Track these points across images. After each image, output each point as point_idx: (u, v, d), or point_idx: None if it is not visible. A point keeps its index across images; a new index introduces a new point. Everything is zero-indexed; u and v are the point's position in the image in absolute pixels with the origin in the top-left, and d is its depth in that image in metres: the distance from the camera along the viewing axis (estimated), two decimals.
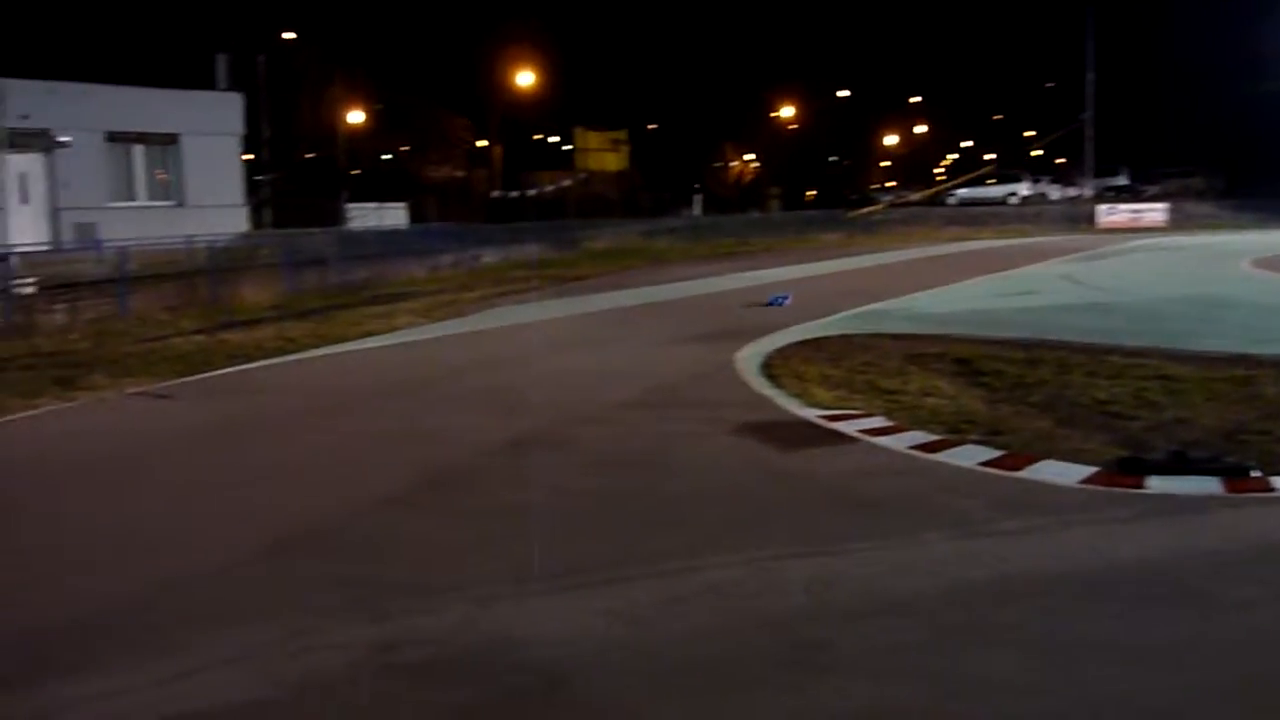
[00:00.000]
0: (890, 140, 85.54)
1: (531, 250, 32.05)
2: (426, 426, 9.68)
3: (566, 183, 62.46)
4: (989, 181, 58.67)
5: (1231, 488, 7.08)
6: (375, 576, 5.81)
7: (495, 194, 59.47)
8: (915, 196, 60.84)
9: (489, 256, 30.42)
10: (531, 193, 61.14)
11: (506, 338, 15.79)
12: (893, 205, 57.98)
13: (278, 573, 5.95)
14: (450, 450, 8.68)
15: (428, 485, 7.67)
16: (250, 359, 13.75)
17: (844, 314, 16.87)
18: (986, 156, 77.64)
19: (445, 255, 28.75)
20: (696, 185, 68.79)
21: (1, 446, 9.37)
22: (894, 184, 74.82)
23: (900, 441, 8.59)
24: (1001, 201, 54.19)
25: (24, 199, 29.19)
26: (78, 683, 4.55)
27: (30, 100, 28.76)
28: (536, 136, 72.20)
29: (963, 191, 57.99)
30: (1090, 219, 46.42)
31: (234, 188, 34.93)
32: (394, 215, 46.52)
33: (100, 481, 8.06)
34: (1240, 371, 10.77)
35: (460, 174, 63.25)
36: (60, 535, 6.72)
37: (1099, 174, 56.31)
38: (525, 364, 13.12)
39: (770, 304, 18.01)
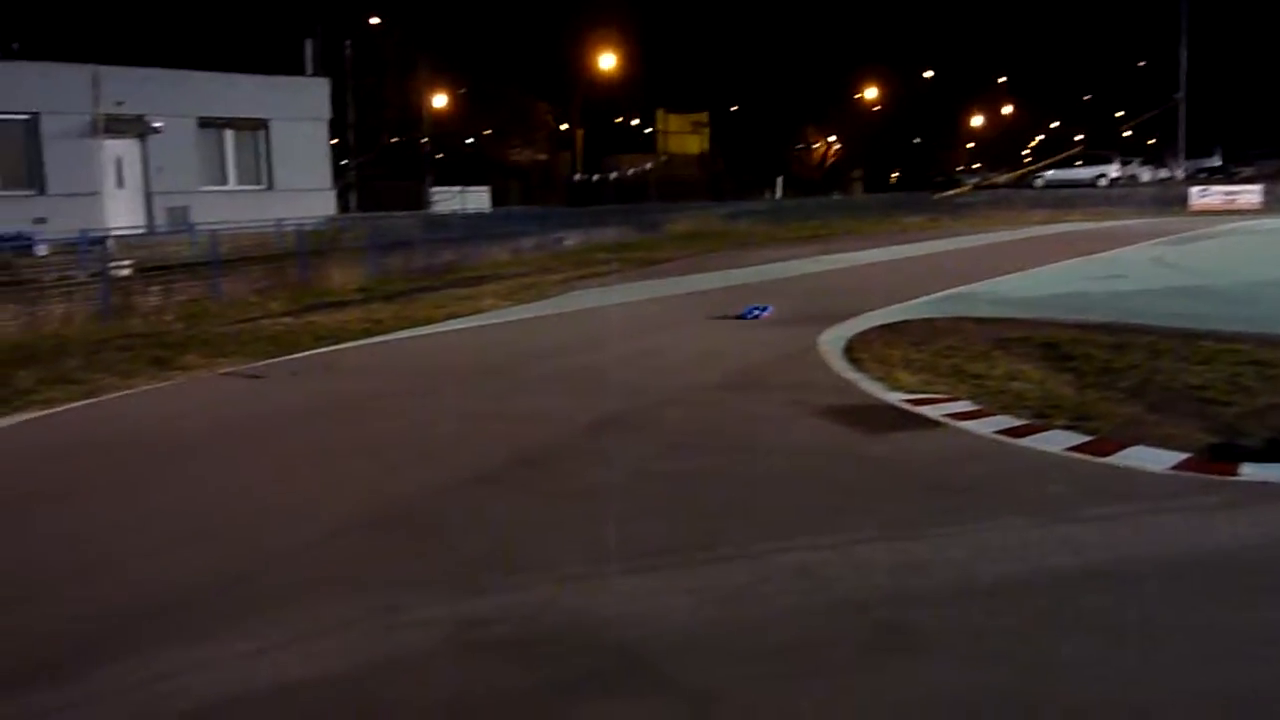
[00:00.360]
0: (976, 121, 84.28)
1: (612, 233, 32.15)
2: (513, 407, 9.79)
3: (648, 165, 62.52)
4: (1077, 163, 57.57)
5: None
6: (464, 554, 5.91)
7: (577, 177, 59.79)
8: (1001, 179, 59.97)
9: (571, 239, 30.57)
10: (613, 176, 61.31)
11: (589, 320, 15.89)
12: (978, 187, 57.20)
13: (370, 548, 6.08)
14: (536, 430, 8.78)
15: (515, 465, 7.77)
16: (338, 340, 14.00)
17: (928, 298, 16.70)
18: (1075, 137, 76.12)
19: (527, 238, 28.96)
20: (778, 168, 68.37)
21: (101, 424, 9.65)
22: (979, 166, 73.74)
23: (986, 426, 8.51)
24: (1090, 184, 53.15)
25: (120, 183, 29.97)
26: (174, 652, 4.70)
27: (125, 87, 29.54)
28: (618, 119, 72.36)
29: (1050, 173, 56.95)
30: (1182, 201, 45.33)
31: (321, 172, 35.52)
32: (477, 198, 47.01)
33: (196, 459, 8.28)
34: None
35: (542, 157, 63.67)
36: (157, 509, 6.92)
37: (1191, 155, 55.01)
38: (608, 346, 13.20)
39: (745, 316, 15.14)
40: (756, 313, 15.14)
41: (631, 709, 4.16)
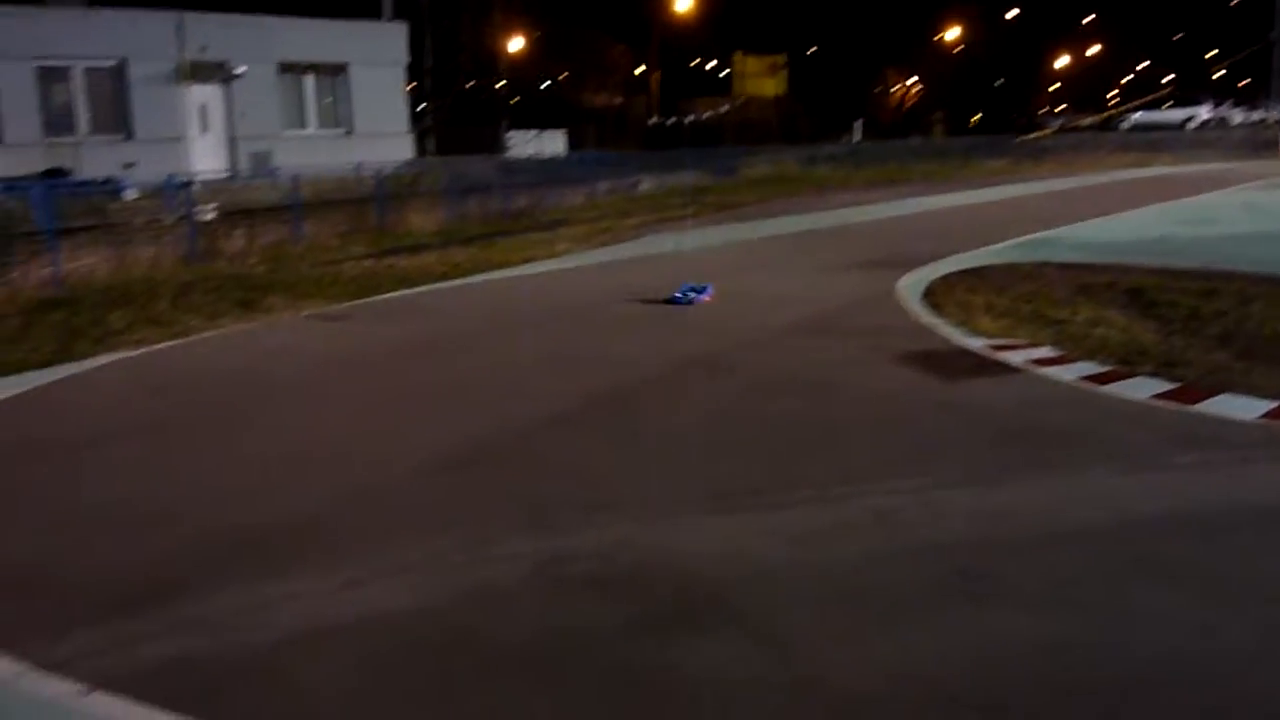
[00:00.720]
0: (1061, 62, 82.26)
1: (688, 177, 31.96)
2: (591, 349, 9.85)
3: (724, 109, 61.98)
4: (1166, 105, 56.03)
5: None
6: (546, 492, 5.98)
7: (653, 121, 59.46)
8: (1086, 121, 58.64)
9: (647, 184, 30.44)
10: (689, 119, 60.89)
11: (664, 264, 15.86)
12: (1062, 130, 55.96)
13: (450, 487, 6.18)
14: (614, 372, 8.83)
15: (593, 405, 7.83)
16: (416, 284, 14.13)
17: (1008, 243, 16.45)
18: (1164, 79, 74.03)
19: (603, 182, 28.89)
20: (857, 110, 67.39)
21: (190, 364, 9.87)
22: (1064, 108, 72.10)
23: (1068, 372, 8.40)
24: (1179, 126, 51.78)
25: (204, 128, 30.41)
26: (264, 586, 4.83)
27: (208, 32, 29.88)
28: (694, 62, 71.70)
29: (1137, 116, 55.61)
30: (1274, 145, 43.99)
31: (399, 116, 35.73)
32: (553, 143, 47.00)
33: (283, 399, 8.45)
34: None
35: (618, 101, 63.36)
36: (248, 447, 7.08)
37: None
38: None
39: (675, 301, 11.93)
40: (692, 295, 11.95)
41: (710, 648, 4.20)
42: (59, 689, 3.97)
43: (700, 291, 12.05)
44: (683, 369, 8.93)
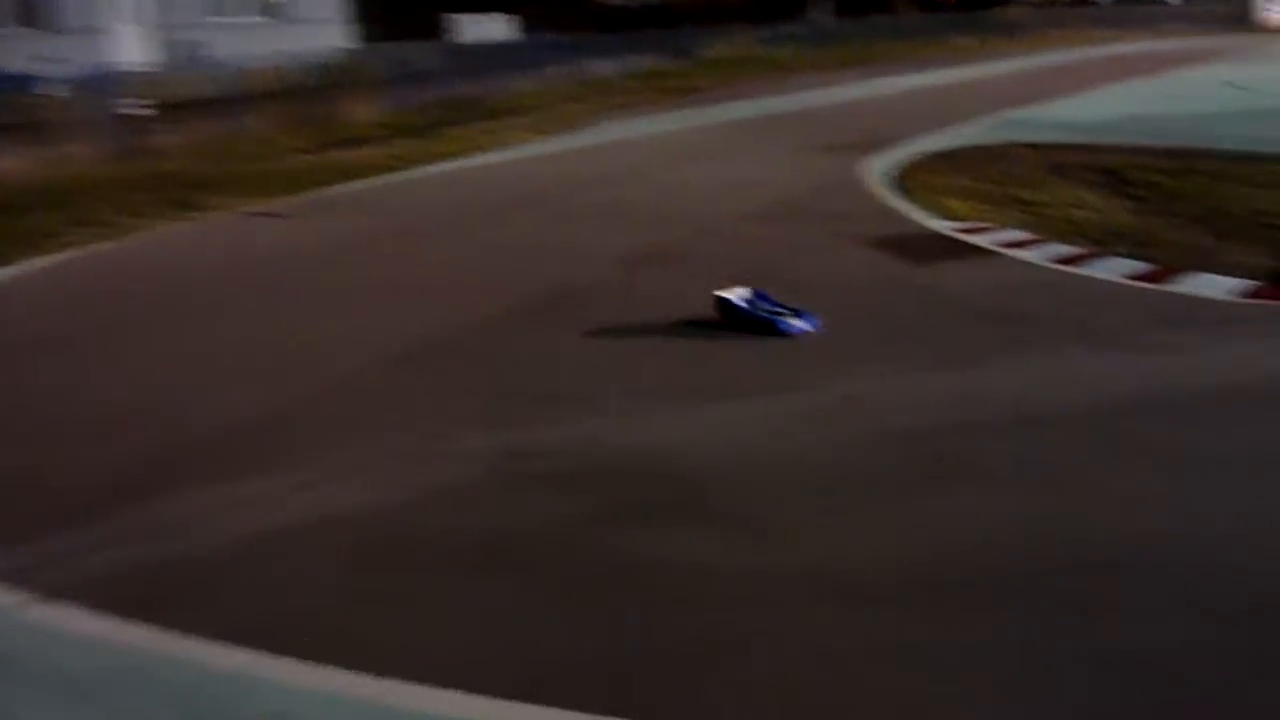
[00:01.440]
0: None
1: (646, 61, 31.55)
2: (545, 241, 9.79)
3: None
4: None
5: None
6: (501, 388, 5.99)
7: (607, 1, 58.32)
8: None
9: (602, 68, 30.01)
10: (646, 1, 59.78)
11: (621, 152, 15.74)
12: (1036, 5, 55.48)
13: (404, 384, 6.17)
14: (570, 266, 8.80)
15: (550, 299, 7.82)
16: (361, 177, 13.95)
17: (979, 123, 16.44)
18: None
19: (556, 68, 28.45)
20: None
21: (123, 266, 9.74)
22: None
23: (1042, 254, 8.46)
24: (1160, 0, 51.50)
25: (126, 18, 29.58)
26: (214, 489, 4.83)
27: None
28: None
29: None
30: (1246, 19, 43.88)
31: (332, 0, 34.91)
32: (499, 28, 46.11)
33: (224, 300, 8.36)
34: None
35: None
36: (191, 349, 7.03)
37: None
38: (642, 178, 13.09)
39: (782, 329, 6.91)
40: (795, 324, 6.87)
41: (677, 537, 4.26)
42: (4, 600, 3.98)
43: (799, 316, 6.92)
44: (641, 260, 8.90)
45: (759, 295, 7.02)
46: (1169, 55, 30.70)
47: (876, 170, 12.48)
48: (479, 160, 15.44)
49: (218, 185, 13.29)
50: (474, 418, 5.55)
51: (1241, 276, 7.57)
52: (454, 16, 46.05)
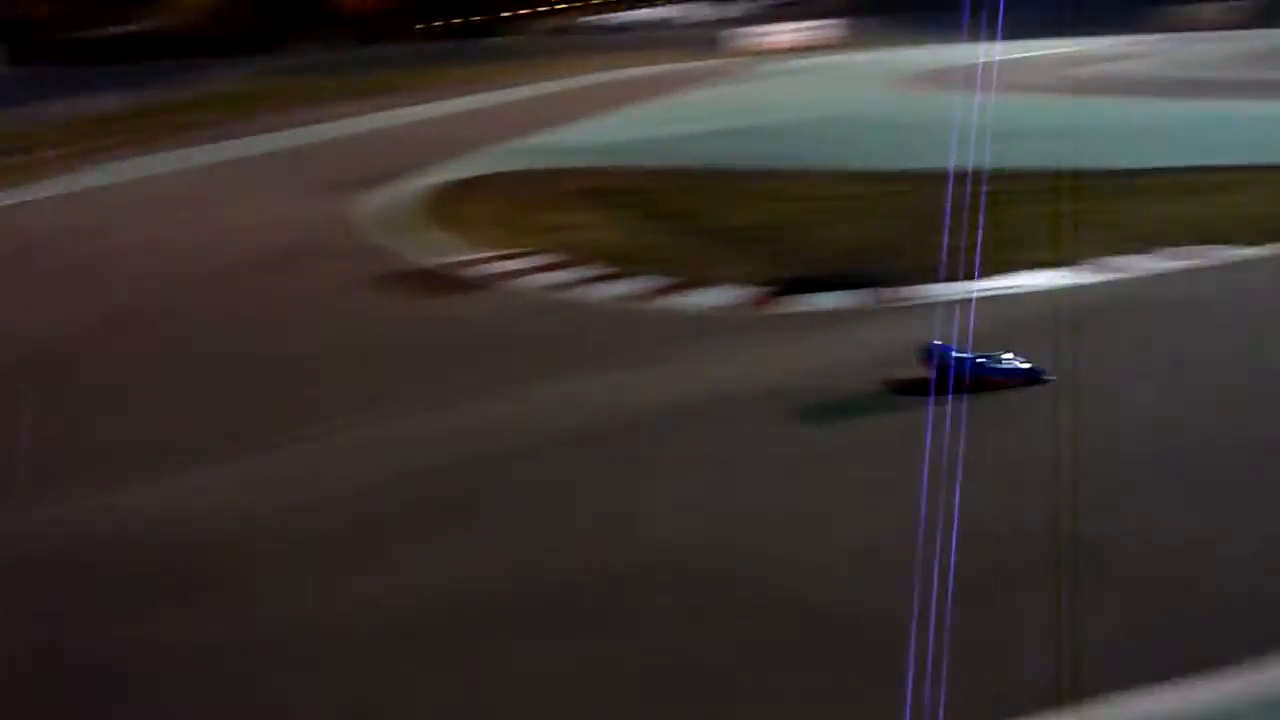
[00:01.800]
0: None
1: (147, 95, 29.53)
2: (8, 312, 9.02)
3: (155, 19, 57.36)
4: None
5: (879, 299, 7.58)
6: None
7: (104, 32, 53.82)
8: (559, 23, 59.65)
9: (100, 104, 27.50)
10: (117, 30, 55.73)
11: (107, 199, 14.74)
12: (545, 33, 56.70)
13: None
14: (39, 333, 8.19)
15: (20, 369, 7.27)
16: None
17: (498, 150, 16.71)
18: None
19: (44, 105, 25.69)
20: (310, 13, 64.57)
21: None
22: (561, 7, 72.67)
23: (542, 280, 8.70)
24: (659, 23, 53.82)
25: None
26: None
27: None
28: None
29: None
30: (714, 43, 46.54)
31: None
32: None
33: None
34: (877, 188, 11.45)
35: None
36: None
37: None
38: (122, 230, 12.32)
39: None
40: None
41: (176, 613, 4.08)
42: None
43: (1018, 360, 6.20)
44: (122, 320, 8.41)
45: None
46: (655, 80, 32.18)
47: (378, 206, 12.36)
48: None
49: None
50: None
51: (736, 285, 8.05)
52: None
